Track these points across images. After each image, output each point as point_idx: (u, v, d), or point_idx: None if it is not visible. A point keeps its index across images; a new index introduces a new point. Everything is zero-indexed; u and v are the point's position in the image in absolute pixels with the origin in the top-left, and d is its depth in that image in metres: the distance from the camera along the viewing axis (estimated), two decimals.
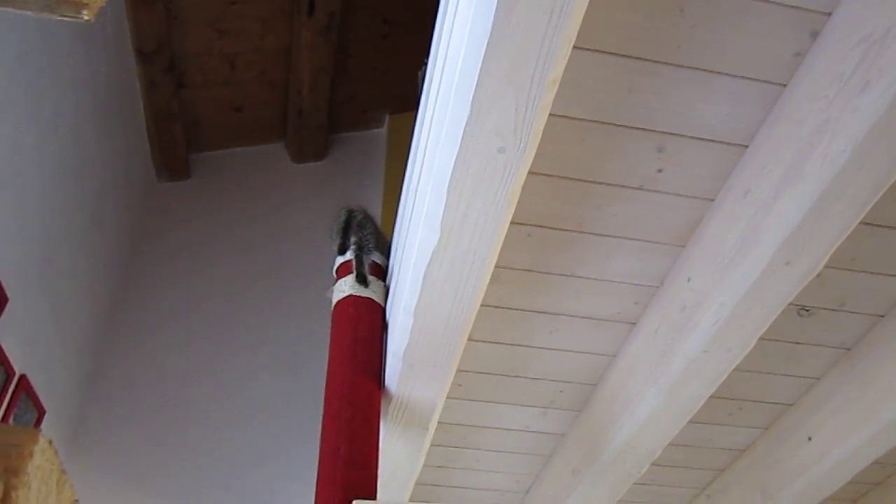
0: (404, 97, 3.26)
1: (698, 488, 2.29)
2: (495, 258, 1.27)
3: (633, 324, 1.67)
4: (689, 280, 1.46)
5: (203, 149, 3.66)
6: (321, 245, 1.89)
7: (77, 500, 0.61)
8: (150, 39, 3.00)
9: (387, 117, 3.90)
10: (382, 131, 3.93)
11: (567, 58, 0.99)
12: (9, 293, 2.07)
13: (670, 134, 1.29)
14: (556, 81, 1.01)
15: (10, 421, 2.16)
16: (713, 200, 1.39)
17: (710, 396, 1.62)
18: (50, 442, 0.55)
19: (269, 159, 3.79)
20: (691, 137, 1.29)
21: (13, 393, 2.16)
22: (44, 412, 2.37)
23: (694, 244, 1.44)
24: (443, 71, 1.05)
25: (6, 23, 1.95)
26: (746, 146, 1.30)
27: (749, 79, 1.20)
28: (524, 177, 1.12)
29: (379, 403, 1.56)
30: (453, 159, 1.07)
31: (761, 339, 1.44)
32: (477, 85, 0.98)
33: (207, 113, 3.51)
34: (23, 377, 2.21)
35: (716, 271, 1.36)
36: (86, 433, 2.73)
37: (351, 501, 1.30)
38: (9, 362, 2.11)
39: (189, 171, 3.62)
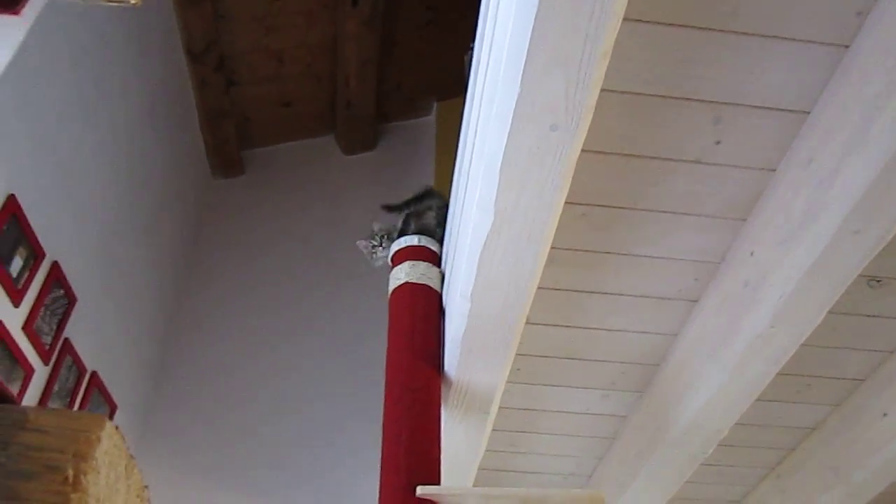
0: (451, 83, 3.26)
1: (768, 468, 2.23)
2: (550, 239, 1.25)
3: (695, 301, 1.63)
4: (751, 254, 1.41)
5: (255, 145, 3.71)
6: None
7: (146, 486, 0.62)
8: (199, 39, 3.05)
9: (434, 104, 3.89)
10: (431, 119, 3.92)
11: (617, 30, 0.97)
12: (77, 293, 2.14)
13: (727, 104, 1.24)
14: (607, 55, 0.98)
15: None
16: (774, 171, 1.34)
17: (778, 373, 1.57)
18: (116, 427, 0.56)
19: (319, 152, 3.83)
20: (749, 106, 1.25)
21: (85, 389, 2.23)
22: (115, 407, 2.44)
23: (756, 217, 1.40)
24: (490, 51, 1.04)
25: (58, 33, 2.01)
26: (808, 112, 1.25)
27: (809, 42, 1.15)
28: (577, 155, 1.10)
29: (439, 389, 1.56)
30: (504, 140, 1.06)
31: (830, 312, 1.39)
32: (526, 62, 0.96)
33: (257, 109, 3.55)
34: (94, 374, 2.28)
35: (780, 244, 1.31)
36: (154, 426, 2.81)
37: (414, 488, 1.30)
38: (80, 360, 2.18)
39: (243, 167, 3.68)
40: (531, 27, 0.92)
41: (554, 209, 1.18)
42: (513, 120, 1.03)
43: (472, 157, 1.22)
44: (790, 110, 1.25)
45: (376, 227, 1.79)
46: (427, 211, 1.82)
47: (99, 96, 2.30)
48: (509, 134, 1.05)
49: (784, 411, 1.99)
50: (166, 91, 2.97)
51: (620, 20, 0.97)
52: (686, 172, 1.35)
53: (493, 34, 1.03)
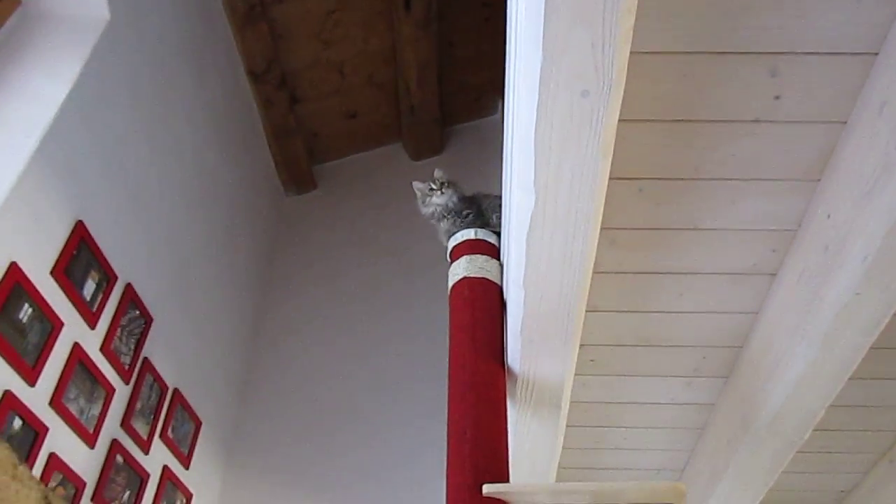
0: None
1: (878, 453, 2.07)
2: (600, 214, 1.18)
3: (773, 275, 1.51)
4: (828, 216, 1.30)
5: (325, 159, 3.76)
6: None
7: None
8: (260, 59, 3.11)
9: (500, 102, 3.84)
10: (496, 117, 3.88)
11: None
12: (153, 313, 2.19)
13: (782, 54, 1.14)
14: (633, 9, 0.91)
15: (169, 432, 2.29)
16: (845, 123, 1.23)
17: (874, 347, 1.44)
18: None
19: (388, 160, 3.84)
20: (808, 53, 1.14)
21: (169, 407, 2.28)
22: (200, 423, 2.49)
23: (829, 175, 1.28)
24: (515, 18, 0.98)
25: (119, 59, 2.07)
26: (876, 53, 1.13)
27: None
28: (616, 120, 1.03)
29: (504, 384, 1.50)
30: (535, 111, 1.00)
31: None
32: (545, 25, 0.90)
33: (324, 124, 3.60)
34: (176, 391, 2.34)
35: (859, 200, 1.20)
36: (242, 440, 2.86)
37: (480, 486, 1.25)
38: (161, 378, 2.23)
39: (315, 181, 3.73)
40: None
41: (598, 181, 1.11)
42: (540, 88, 0.97)
43: (511, 134, 1.16)
44: (855, 53, 1.13)
45: (437, 173, 1.74)
46: (486, 201, 1.79)
47: (162, 119, 2.37)
48: (538, 104, 0.99)
49: (889, 389, 1.84)
50: (231, 112, 3.03)
51: None
52: (746, 134, 1.25)
53: (516, 1, 0.97)
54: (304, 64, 3.31)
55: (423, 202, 1.74)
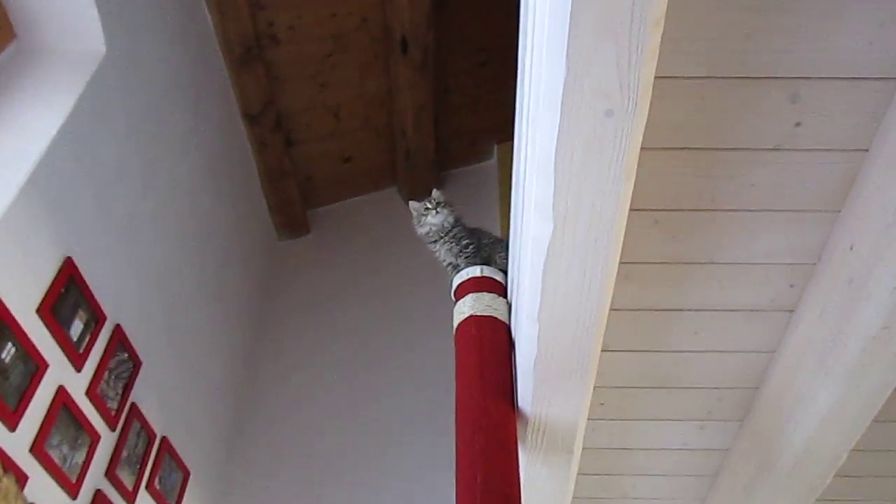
0: (510, 124, 3.19)
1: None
2: (620, 244, 1.13)
3: (791, 311, 1.46)
4: (851, 248, 1.25)
5: (319, 203, 3.72)
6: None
7: None
8: (255, 101, 3.09)
9: (495, 147, 3.83)
10: (492, 162, 3.87)
11: None
12: (142, 357, 2.11)
13: (804, 79, 1.11)
14: (660, 22, 0.87)
15: (156, 483, 2.18)
16: (867, 151, 1.19)
17: None
18: None
19: (383, 205, 3.81)
20: (830, 78, 1.11)
21: (156, 455, 2.18)
22: (188, 473, 2.38)
23: (852, 204, 1.24)
24: (533, 31, 0.94)
25: (114, 94, 2.03)
26: None
27: None
28: (639, 142, 0.99)
29: (514, 427, 1.43)
30: (556, 132, 0.96)
31: None
32: (569, 38, 0.86)
33: (318, 167, 3.57)
34: (164, 439, 2.24)
35: (885, 229, 1.15)
36: (231, 492, 2.74)
37: None
38: (149, 425, 2.13)
39: (308, 226, 3.68)
40: None
41: (620, 208, 1.06)
42: (562, 107, 0.93)
43: (526, 159, 1.12)
44: (878, 77, 1.10)
45: (435, 193, 1.70)
46: (486, 238, 1.75)
47: (157, 159, 2.32)
48: (560, 124, 0.95)
49: None
50: (225, 153, 3.00)
51: None
52: (766, 163, 1.21)
53: (535, 12, 0.94)
54: (299, 107, 3.30)
55: (419, 222, 1.71)
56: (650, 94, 0.97)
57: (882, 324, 1.22)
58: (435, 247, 1.69)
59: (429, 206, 1.68)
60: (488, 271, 1.65)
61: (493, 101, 3.50)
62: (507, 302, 1.61)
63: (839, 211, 1.27)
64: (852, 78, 1.11)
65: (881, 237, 1.17)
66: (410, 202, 1.70)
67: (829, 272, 1.32)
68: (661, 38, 1.03)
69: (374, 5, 3.10)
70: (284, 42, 3.05)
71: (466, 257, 1.67)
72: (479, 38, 3.45)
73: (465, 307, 1.59)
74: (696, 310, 1.47)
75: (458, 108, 3.62)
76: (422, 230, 1.69)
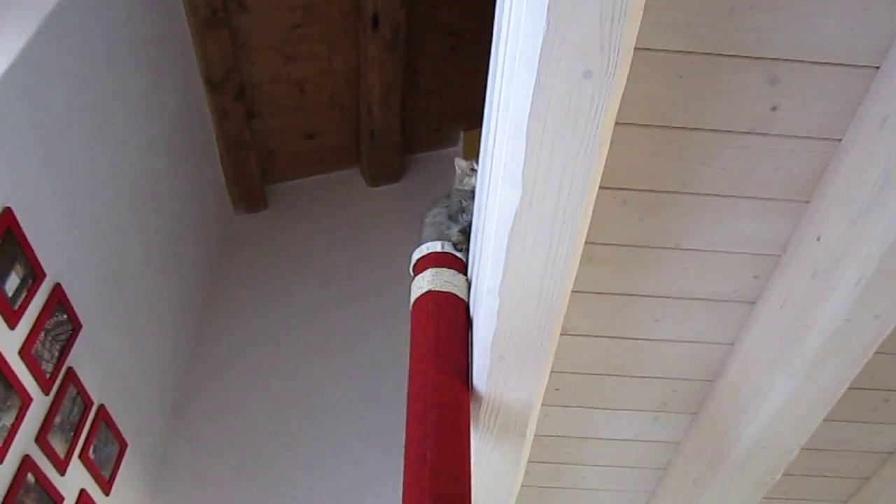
0: (478, 111, 3.14)
1: (840, 500, 2.01)
2: (588, 218, 1.10)
3: (752, 303, 1.45)
4: (818, 239, 1.24)
5: (278, 179, 3.64)
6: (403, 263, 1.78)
7: None
8: (218, 67, 3.00)
9: (461, 134, 3.79)
10: (458, 149, 3.83)
11: None
12: (83, 320, 2.02)
13: (783, 60, 1.09)
14: None
15: (90, 452, 2.09)
16: (839, 141, 1.17)
17: (851, 387, 1.38)
18: None
19: (344, 185, 3.75)
20: (809, 63, 1.09)
21: (92, 424, 2.09)
22: (125, 445, 2.29)
23: (821, 196, 1.23)
24: None
25: (68, 41, 1.94)
26: (877, 67, 1.09)
27: None
28: (615, 110, 0.96)
29: (468, 406, 1.39)
30: (531, 92, 0.91)
31: None
32: None
33: (280, 141, 3.49)
34: (101, 407, 2.14)
35: (854, 221, 1.14)
36: (170, 468, 2.66)
37: None
38: (86, 392, 2.04)
39: (266, 201, 3.59)
40: None
41: (591, 179, 1.03)
42: (539, 65, 0.89)
43: (497, 121, 1.07)
44: (857, 65, 1.09)
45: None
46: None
47: (111, 113, 2.22)
48: (536, 83, 0.91)
49: (857, 433, 1.78)
50: (185, 118, 2.90)
51: None
52: (739, 146, 1.19)
53: None
54: (264, 77, 3.21)
55: (461, 181, 1.70)
56: (630, 59, 0.94)
57: (845, 317, 1.21)
58: (470, 204, 1.70)
59: (475, 167, 1.67)
60: (449, 247, 1.61)
61: (462, 87, 3.46)
62: (468, 280, 1.57)
63: (808, 201, 1.26)
64: (831, 63, 1.08)
65: (849, 229, 1.16)
66: (456, 160, 1.73)
67: (794, 263, 1.31)
68: (645, 7, 1.00)
69: None
70: (252, 9, 2.96)
71: None
72: (452, 21, 3.40)
73: (424, 282, 1.54)
74: (658, 296, 1.44)
75: (426, 91, 3.57)
76: (462, 188, 1.72)
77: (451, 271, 1.55)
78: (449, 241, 1.66)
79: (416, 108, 3.60)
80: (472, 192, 1.65)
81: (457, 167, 1.71)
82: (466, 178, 1.69)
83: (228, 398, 2.90)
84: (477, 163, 1.65)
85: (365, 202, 3.71)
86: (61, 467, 1.95)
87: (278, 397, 2.95)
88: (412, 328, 1.50)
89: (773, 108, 1.14)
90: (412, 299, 1.55)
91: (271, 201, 3.64)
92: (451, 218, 1.67)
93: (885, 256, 1.11)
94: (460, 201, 1.68)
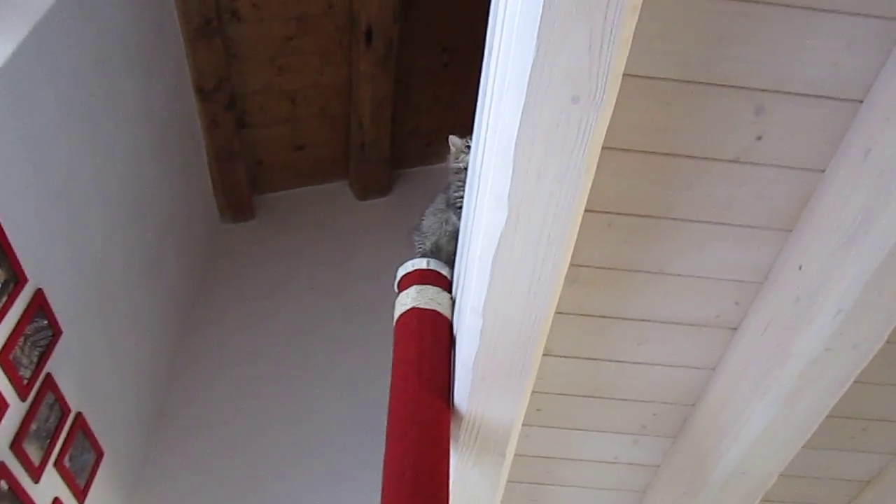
0: (468, 128, 3.16)
1: None
2: (573, 241, 1.10)
3: (733, 329, 1.46)
4: (800, 268, 1.25)
5: (266, 190, 3.63)
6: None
7: None
8: (210, 76, 3.00)
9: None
10: (447, 165, 3.83)
11: None
12: (63, 326, 2.00)
13: (770, 91, 1.10)
14: (637, 9, 0.85)
15: (66, 461, 2.06)
16: (823, 172, 1.19)
17: (829, 416, 1.39)
18: None
19: (333, 198, 3.74)
20: (794, 94, 1.11)
21: (69, 432, 2.06)
22: (102, 454, 2.27)
23: (804, 225, 1.24)
24: (505, 8, 0.91)
25: (59, 46, 1.93)
26: (860, 101, 1.11)
27: (862, 15, 1.02)
28: (603, 135, 0.96)
29: (448, 424, 1.39)
30: (519, 114, 0.92)
31: (889, 342, 1.22)
32: (542, 16, 0.83)
33: (269, 152, 3.48)
34: (79, 415, 2.12)
35: (835, 251, 1.15)
36: (147, 479, 2.63)
37: None
38: (64, 399, 2.02)
39: (253, 211, 3.59)
40: None
41: (577, 202, 1.03)
42: (528, 88, 0.90)
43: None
44: (841, 98, 1.10)
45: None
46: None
47: (101, 120, 2.21)
48: (524, 106, 0.92)
49: (834, 460, 1.80)
50: (174, 126, 2.89)
51: None
52: (724, 174, 1.20)
53: None
54: (255, 88, 3.21)
55: (457, 158, 1.70)
56: (618, 85, 0.95)
57: (824, 346, 1.22)
58: (461, 184, 1.68)
59: (469, 144, 1.68)
60: (434, 264, 1.62)
61: (453, 104, 3.47)
62: (452, 298, 1.57)
63: (790, 230, 1.27)
64: (816, 96, 1.10)
65: (830, 258, 1.17)
66: (451, 137, 1.72)
67: (776, 291, 1.32)
68: (634, 34, 1.01)
69: None
70: (246, 19, 2.97)
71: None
72: (445, 38, 3.42)
73: (408, 299, 1.54)
74: (641, 320, 1.45)
75: (417, 106, 3.58)
76: (456, 165, 1.71)
77: (436, 289, 1.55)
78: (448, 233, 1.67)
79: (407, 123, 3.61)
80: (466, 169, 1.64)
81: (451, 145, 1.70)
82: (462, 155, 1.68)
83: (209, 410, 2.88)
84: (471, 139, 1.65)
85: (353, 215, 3.71)
86: (35, 475, 1.93)
87: (259, 410, 2.92)
88: (395, 345, 1.50)
89: (759, 138, 1.15)
90: (396, 315, 1.55)
91: (258, 212, 3.63)
92: (450, 205, 1.67)
93: (866, 287, 1.12)
94: (457, 184, 1.67)
